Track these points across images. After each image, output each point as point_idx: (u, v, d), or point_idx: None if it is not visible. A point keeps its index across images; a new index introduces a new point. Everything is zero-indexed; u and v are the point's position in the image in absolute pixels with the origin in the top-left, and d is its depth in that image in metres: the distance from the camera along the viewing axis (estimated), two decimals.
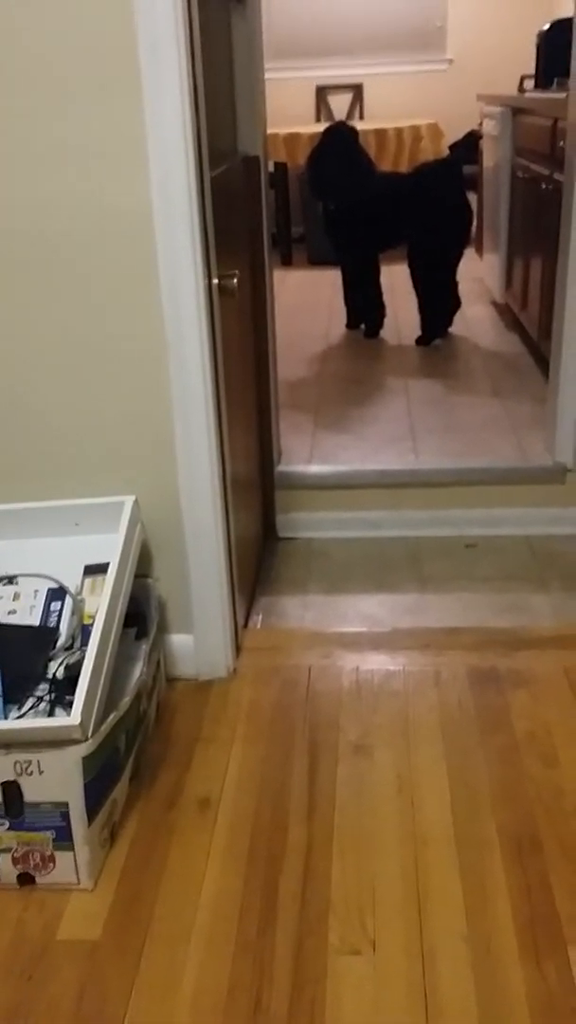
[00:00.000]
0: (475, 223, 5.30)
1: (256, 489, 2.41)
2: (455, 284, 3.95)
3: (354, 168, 3.81)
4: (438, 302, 3.91)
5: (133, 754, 1.60)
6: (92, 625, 1.48)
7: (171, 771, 1.67)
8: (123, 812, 1.57)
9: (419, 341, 3.90)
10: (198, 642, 1.90)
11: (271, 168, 5.55)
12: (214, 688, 1.90)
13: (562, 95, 2.74)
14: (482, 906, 1.37)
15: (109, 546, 1.66)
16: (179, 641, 1.91)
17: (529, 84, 4.42)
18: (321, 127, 5.64)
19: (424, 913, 1.37)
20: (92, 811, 1.41)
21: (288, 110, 6.31)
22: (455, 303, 3.98)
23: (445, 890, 1.40)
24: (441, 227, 3.78)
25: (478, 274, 5.15)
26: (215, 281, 1.71)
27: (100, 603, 1.51)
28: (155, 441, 1.76)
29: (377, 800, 1.58)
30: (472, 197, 4.03)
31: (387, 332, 4.11)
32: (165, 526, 1.82)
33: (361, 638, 2.05)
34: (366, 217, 3.89)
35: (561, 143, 2.76)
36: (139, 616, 1.77)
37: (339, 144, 3.80)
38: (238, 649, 2.00)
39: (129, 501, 1.74)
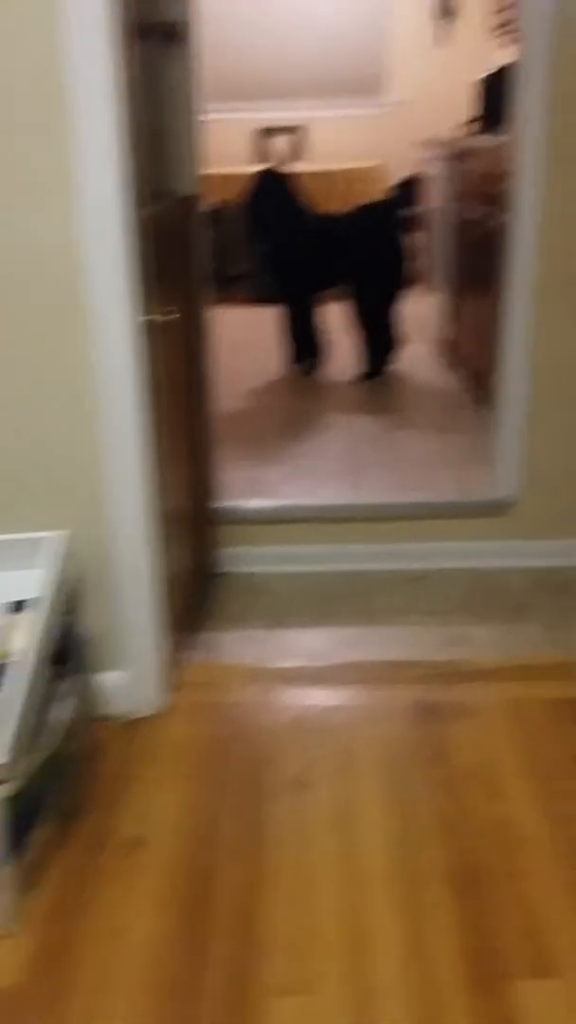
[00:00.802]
0: (419, 263, 5.39)
1: (194, 523, 2.37)
2: (396, 322, 3.99)
3: (286, 210, 3.87)
4: (378, 339, 3.95)
5: (59, 795, 1.53)
6: (16, 662, 1.42)
7: (99, 812, 1.60)
8: (48, 855, 1.50)
9: (360, 378, 3.93)
10: (130, 679, 1.84)
11: (212, 207, 5.59)
12: (146, 726, 1.84)
13: (501, 139, 2.80)
14: (423, 943, 1.33)
15: (36, 582, 1.60)
16: (110, 678, 1.85)
17: (470, 129, 4.52)
18: (261, 167, 5.71)
19: (363, 950, 1.32)
20: (15, 854, 1.34)
21: (229, 150, 6.37)
22: (396, 341, 4.02)
23: (385, 928, 1.36)
24: (378, 268, 3.84)
25: (420, 313, 5.22)
26: (148, 318, 1.69)
27: (26, 640, 1.45)
28: (86, 476, 1.71)
29: (315, 837, 1.53)
30: (416, 238, 4.10)
31: (329, 368, 4.13)
32: (96, 561, 1.77)
33: (301, 673, 2.01)
34: (303, 256, 3.94)
35: (501, 186, 2.81)
36: (68, 653, 1.71)
37: (271, 187, 3.88)
38: (172, 686, 1.94)
39: (58, 536, 1.68)
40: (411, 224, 5.32)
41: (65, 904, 1.42)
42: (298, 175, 5.39)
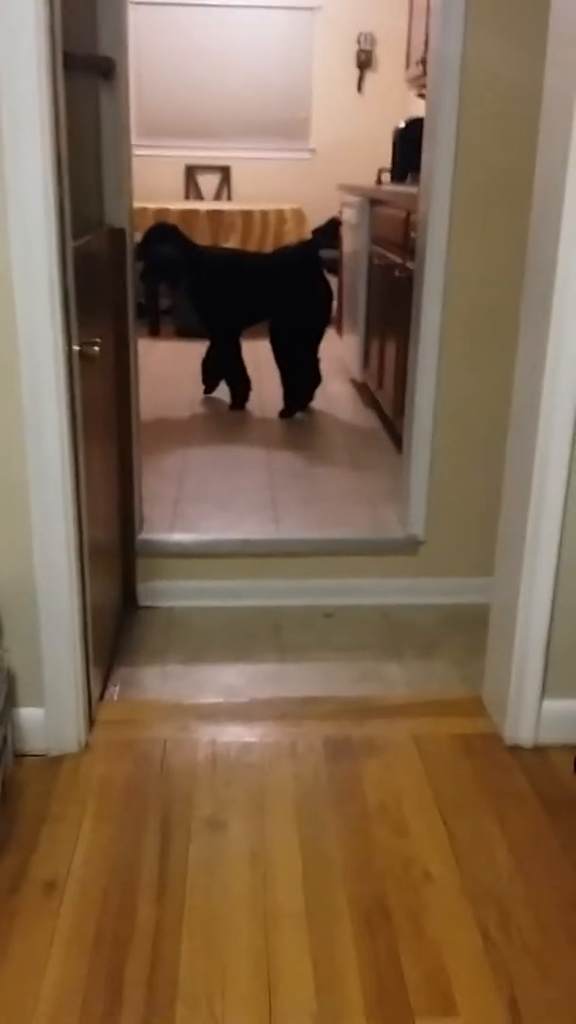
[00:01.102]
0: (335, 305, 5.52)
1: (116, 557, 2.38)
2: (316, 361, 4.09)
3: (181, 251, 4.11)
4: (298, 378, 4.04)
5: None
6: None
7: (15, 852, 1.59)
8: None
9: (281, 414, 4.01)
10: (49, 716, 1.84)
11: (140, 241, 5.62)
12: (65, 764, 1.83)
13: (414, 189, 2.92)
14: (332, 982, 1.36)
15: None
16: (29, 715, 1.84)
17: (386, 177, 4.68)
18: (189, 204, 5.78)
19: (274, 993, 1.34)
20: None
21: (159, 187, 6.44)
22: (316, 379, 4.12)
23: (295, 967, 1.39)
24: (299, 307, 3.95)
25: (338, 353, 5.34)
26: (76, 348, 1.71)
27: None
28: (8, 507, 1.72)
29: (229, 877, 1.55)
30: (333, 280, 4.24)
31: (251, 404, 4.19)
32: (16, 593, 1.77)
33: (218, 709, 2.03)
34: (221, 294, 4.09)
35: (413, 234, 2.93)
36: None
37: (161, 235, 4.12)
38: (92, 722, 1.94)
39: None
40: (330, 267, 5.46)
41: None
42: (215, 214, 5.49)
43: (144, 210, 5.49)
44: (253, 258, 4.20)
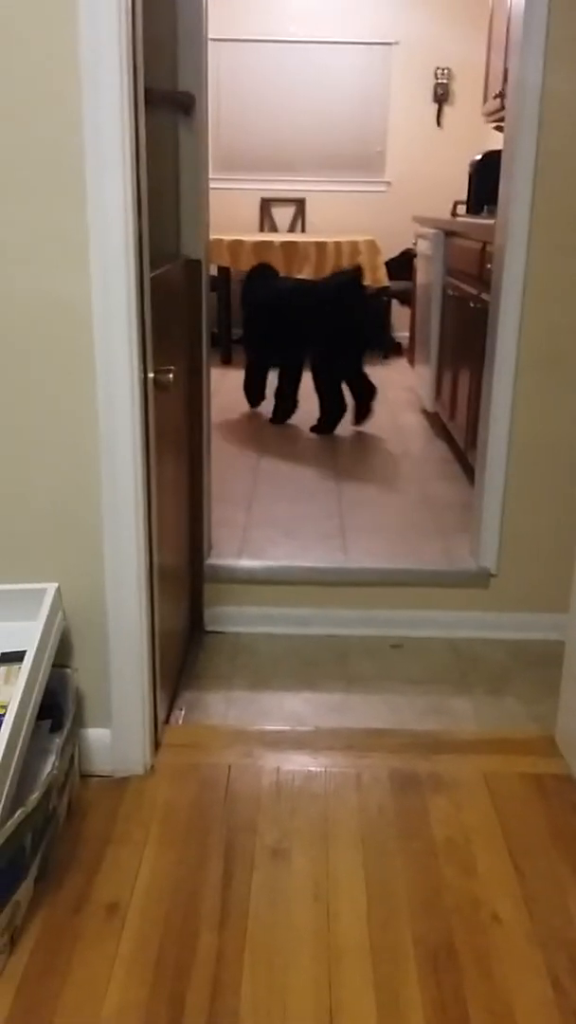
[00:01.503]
0: (409, 335, 5.53)
1: (185, 581, 2.40)
2: (363, 376, 4.34)
3: (274, 293, 4.50)
4: (330, 401, 4.25)
5: (40, 854, 1.53)
6: (3, 715, 1.44)
7: (79, 873, 1.60)
8: (26, 915, 1.49)
9: (313, 429, 4.27)
10: (115, 737, 1.85)
11: (214, 272, 5.72)
12: (130, 786, 1.84)
13: (490, 221, 2.91)
14: (395, 1021, 1.33)
15: (28, 634, 1.62)
16: (96, 735, 1.86)
17: (462, 209, 4.68)
18: (264, 236, 5.87)
19: None
20: None
21: (234, 219, 6.55)
22: (370, 391, 4.37)
23: (358, 1004, 1.36)
24: (336, 333, 4.20)
25: (410, 383, 5.33)
26: (151, 375, 1.74)
27: (13, 693, 1.47)
28: (82, 529, 1.75)
29: (292, 908, 1.53)
30: (405, 311, 4.29)
31: (324, 437, 4.20)
32: (87, 615, 1.80)
33: (283, 737, 2.02)
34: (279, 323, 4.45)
35: (488, 266, 2.91)
36: (55, 708, 1.72)
37: (262, 277, 4.62)
38: (157, 745, 1.95)
39: (51, 588, 1.71)
40: (403, 297, 5.47)
41: (40, 967, 1.41)
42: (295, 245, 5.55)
43: (219, 242, 5.59)
44: (298, 286, 4.47)
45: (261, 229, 6.63)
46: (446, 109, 6.40)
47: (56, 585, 1.74)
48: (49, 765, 1.59)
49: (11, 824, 1.37)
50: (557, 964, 1.43)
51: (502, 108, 4.15)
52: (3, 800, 1.36)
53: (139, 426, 1.69)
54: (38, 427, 1.69)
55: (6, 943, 1.41)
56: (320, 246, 5.64)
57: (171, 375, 1.81)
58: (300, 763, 1.92)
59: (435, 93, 6.38)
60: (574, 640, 1.92)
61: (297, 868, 1.62)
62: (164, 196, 2.09)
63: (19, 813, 1.40)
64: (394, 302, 6.19)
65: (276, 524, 2.96)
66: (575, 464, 2.42)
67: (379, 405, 4.87)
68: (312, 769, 1.90)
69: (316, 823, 1.74)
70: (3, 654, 1.66)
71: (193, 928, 1.49)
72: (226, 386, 5.28)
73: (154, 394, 1.79)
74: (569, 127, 2.19)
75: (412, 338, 5.48)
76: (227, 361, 5.98)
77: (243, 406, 4.77)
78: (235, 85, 6.39)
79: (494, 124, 5.32)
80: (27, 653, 1.55)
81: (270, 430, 4.27)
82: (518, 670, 2.34)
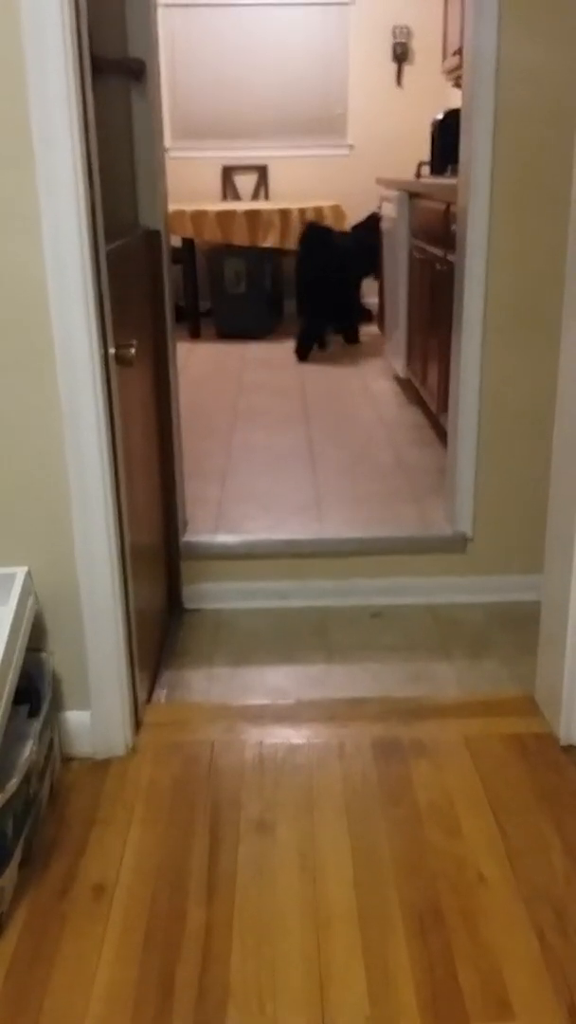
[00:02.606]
0: (379, 301, 5.53)
1: (161, 560, 2.38)
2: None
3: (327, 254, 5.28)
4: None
5: (22, 839, 1.52)
6: None
7: (64, 856, 1.60)
8: (12, 901, 1.49)
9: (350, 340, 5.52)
10: (95, 719, 1.84)
11: (178, 243, 5.64)
12: (112, 767, 1.83)
13: (453, 181, 2.88)
14: (385, 985, 1.34)
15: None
16: (75, 718, 1.85)
17: (425, 170, 4.63)
18: (227, 205, 5.79)
19: (326, 995, 1.32)
20: None
21: (196, 188, 6.46)
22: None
23: (348, 970, 1.36)
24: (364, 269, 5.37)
25: (381, 350, 5.31)
26: (112, 351, 1.71)
27: None
28: (50, 511, 1.72)
29: (278, 879, 1.54)
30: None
31: (297, 407, 4.18)
32: (60, 598, 1.78)
33: (265, 711, 2.02)
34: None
35: (453, 226, 2.88)
36: (31, 692, 1.71)
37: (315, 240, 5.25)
38: (138, 725, 1.94)
39: (21, 572, 1.69)
40: (371, 263, 5.44)
41: (28, 951, 1.41)
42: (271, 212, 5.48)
43: (182, 212, 5.51)
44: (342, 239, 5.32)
45: (224, 198, 6.54)
46: (406, 68, 6.32)
47: (26, 569, 1.71)
48: (27, 750, 1.57)
49: None
50: (543, 919, 1.44)
51: (461, 65, 4.09)
52: None
53: (102, 403, 1.66)
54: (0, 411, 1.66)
55: None
56: (284, 213, 5.58)
57: (133, 350, 1.78)
58: (283, 736, 1.92)
59: (394, 52, 6.29)
60: (550, 600, 1.92)
61: (282, 839, 1.62)
62: (118, 166, 2.04)
63: (0, 798, 1.39)
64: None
65: (251, 498, 2.94)
66: (546, 424, 2.40)
67: (351, 373, 4.85)
68: (295, 741, 1.90)
69: (300, 794, 1.74)
70: None
71: (180, 904, 1.49)
72: (195, 360, 5.23)
73: (117, 370, 1.76)
74: (526, 83, 2.16)
75: (381, 304, 5.45)
76: (195, 335, 5.92)
77: (214, 381, 4.73)
78: (190, 51, 6.27)
79: (454, 82, 5.26)
80: (0, 637, 1.53)
81: (242, 403, 4.24)
82: (498, 632, 2.35)
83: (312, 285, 5.22)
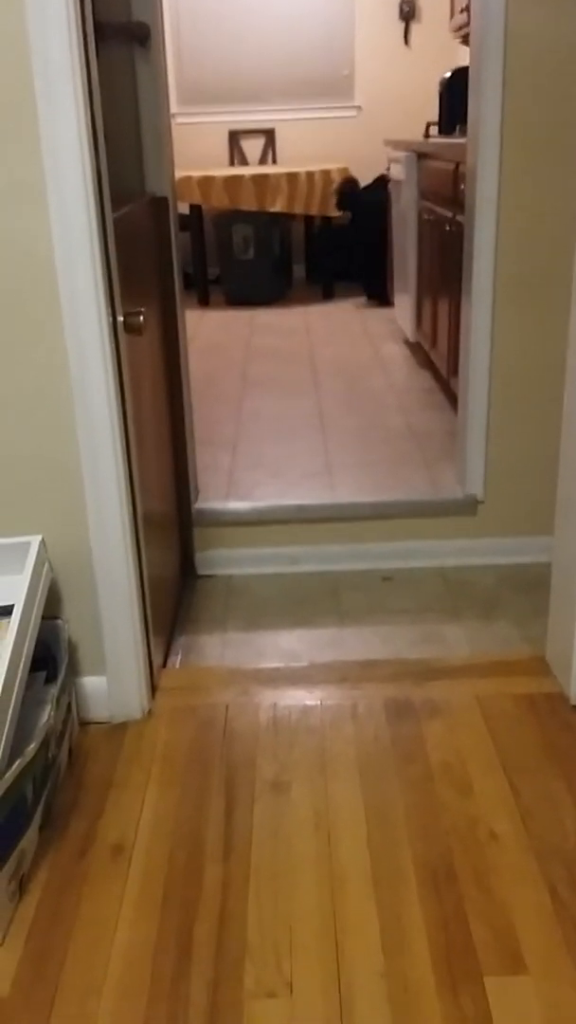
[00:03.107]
0: (386, 264, 5.48)
1: (173, 527, 2.39)
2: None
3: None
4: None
5: (42, 802, 1.55)
6: None
7: (83, 818, 1.63)
8: (33, 862, 1.52)
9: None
10: (111, 684, 1.87)
11: (185, 210, 5.60)
12: (128, 730, 1.86)
13: (462, 140, 2.84)
14: (399, 941, 1.36)
15: (15, 588, 1.62)
16: (92, 683, 1.87)
17: (434, 130, 4.57)
18: (234, 170, 5.73)
19: (341, 951, 1.35)
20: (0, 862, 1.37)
21: (203, 154, 6.39)
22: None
23: (362, 927, 1.39)
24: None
25: (391, 314, 5.27)
26: (120, 318, 1.71)
27: (4, 646, 1.47)
28: (62, 480, 1.73)
29: (294, 838, 1.56)
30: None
31: (306, 373, 4.16)
32: (74, 566, 1.79)
33: (278, 674, 2.04)
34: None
35: (462, 186, 2.85)
36: (48, 659, 1.73)
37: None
38: (154, 689, 1.97)
39: (35, 541, 1.70)
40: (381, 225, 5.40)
41: (49, 911, 1.44)
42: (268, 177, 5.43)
43: (188, 178, 5.46)
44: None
45: (231, 163, 6.48)
46: (413, 26, 6.21)
47: (40, 537, 1.73)
48: (46, 715, 1.60)
49: (10, 775, 1.38)
50: (555, 876, 1.47)
51: (469, 22, 4.02)
52: (2, 752, 1.37)
53: (112, 371, 1.67)
54: (7, 377, 1.66)
55: (14, 890, 1.44)
56: (292, 177, 5.52)
57: (142, 317, 1.77)
58: (296, 698, 1.95)
59: (401, 10, 6.18)
60: (561, 561, 1.92)
61: (297, 799, 1.65)
62: (124, 133, 2.03)
63: (17, 764, 1.41)
64: None
65: (262, 465, 2.95)
66: (556, 386, 2.40)
67: (360, 338, 4.82)
68: (308, 703, 1.93)
69: (314, 755, 1.76)
70: None
71: (198, 863, 1.52)
72: (204, 328, 5.21)
73: (126, 338, 1.76)
74: (535, 40, 2.12)
75: (390, 267, 5.40)
76: (204, 303, 5.89)
77: (224, 348, 4.72)
78: (195, 15, 6.18)
79: (462, 39, 5.16)
80: (15, 606, 1.55)
81: (252, 370, 4.23)
82: (508, 594, 2.35)
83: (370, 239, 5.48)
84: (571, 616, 1.86)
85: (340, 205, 5.61)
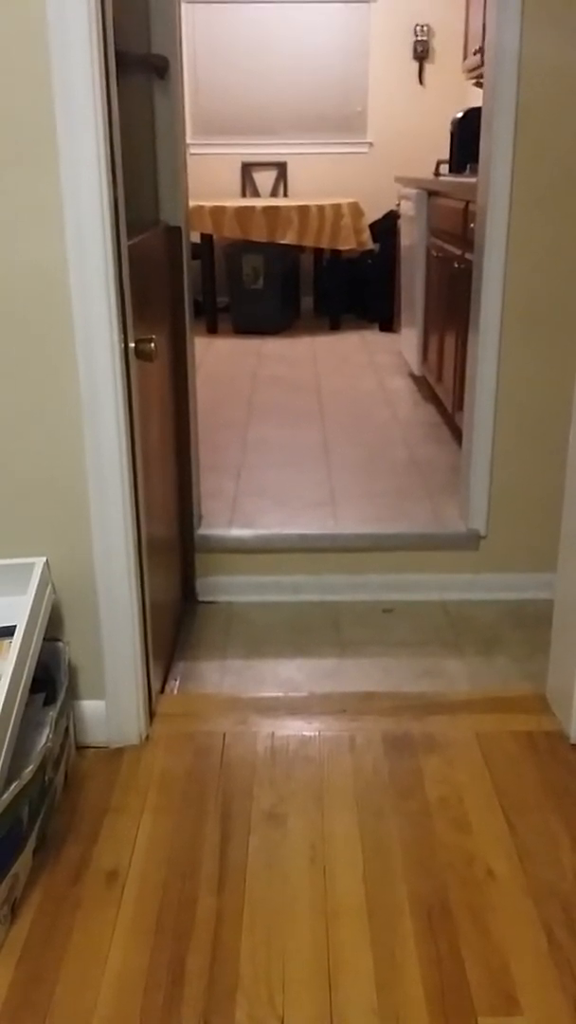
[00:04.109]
0: (393, 299, 5.54)
1: (176, 552, 2.40)
2: None
3: None
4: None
5: (37, 825, 1.54)
6: None
7: (78, 843, 1.62)
8: (26, 886, 1.51)
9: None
10: (110, 708, 1.86)
11: (197, 239, 5.66)
12: (126, 756, 1.85)
13: (472, 179, 2.88)
14: (393, 978, 1.35)
15: (17, 608, 1.62)
16: (90, 707, 1.87)
17: (444, 169, 4.62)
18: (246, 201, 5.79)
19: (334, 987, 1.34)
20: None
21: (215, 185, 6.47)
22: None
23: (356, 963, 1.38)
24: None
25: (396, 347, 5.31)
26: (132, 344, 1.72)
27: (5, 667, 1.47)
28: (68, 502, 1.74)
29: (289, 871, 1.55)
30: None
31: (312, 403, 4.19)
32: (77, 588, 1.80)
33: (277, 703, 2.03)
34: None
35: (472, 225, 2.89)
36: (48, 681, 1.73)
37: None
38: (152, 715, 1.96)
39: (39, 563, 1.71)
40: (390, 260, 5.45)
41: (41, 936, 1.43)
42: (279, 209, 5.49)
43: (201, 208, 5.53)
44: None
45: (243, 194, 6.55)
46: (427, 67, 6.31)
47: (44, 559, 1.73)
48: (44, 738, 1.59)
49: (7, 797, 1.38)
50: (551, 917, 1.45)
51: (483, 64, 4.09)
52: (0, 772, 1.37)
53: (122, 396, 1.68)
54: (19, 400, 1.68)
55: (6, 914, 1.42)
56: (303, 210, 5.58)
57: (153, 344, 1.79)
58: (294, 728, 1.94)
59: (415, 50, 6.28)
60: (563, 599, 1.92)
61: (293, 831, 1.64)
62: (140, 162, 2.06)
63: (14, 786, 1.40)
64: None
65: (266, 493, 2.95)
66: (562, 423, 2.41)
67: (366, 370, 4.85)
68: (306, 734, 1.92)
69: (311, 786, 1.75)
70: None
71: (192, 892, 1.51)
72: (212, 355, 5.25)
73: (136, 364, 1.77)
74: (547, 82, 2.16)
75: (397, 301, 5.45)
76: (212, 331, 5.94)
77: (230, 376, 4.74)
78: (212, 48, 6.28)
79: (475, 80, 5.24)
80: (17, 627, 1.55)
81: (258, 398, 4.25)
82: (509, 630, 2.35)
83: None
84: (572, 654, 1.86)
85: (375, 237, 5.92)
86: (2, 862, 1.39)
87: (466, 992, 1.33)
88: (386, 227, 5.74)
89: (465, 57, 5.50)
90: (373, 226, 5.89)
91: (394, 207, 5.52)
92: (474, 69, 5.00)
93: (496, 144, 2.21)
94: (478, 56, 4.66)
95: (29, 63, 1.50)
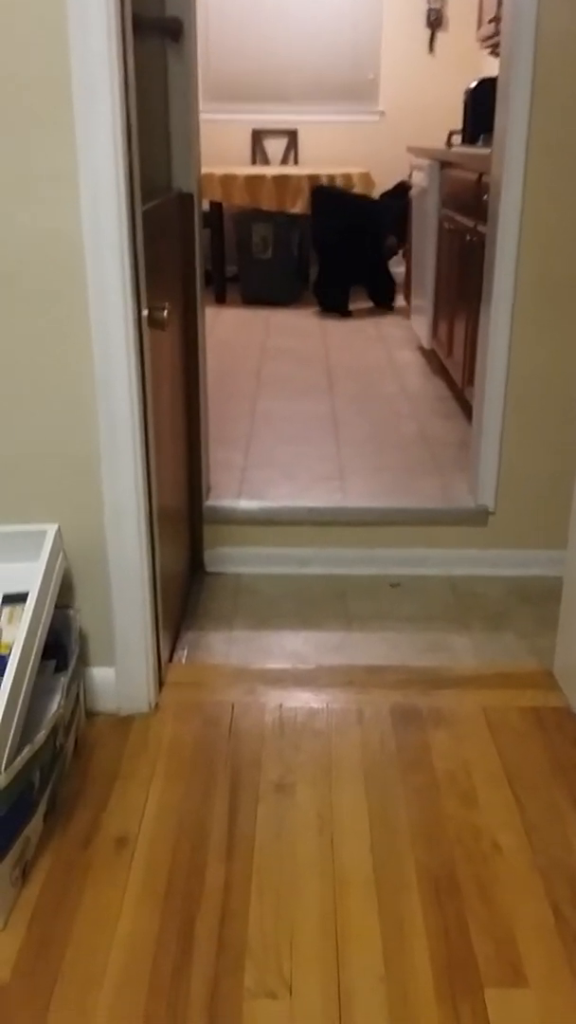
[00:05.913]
0: (405, 271, 5.48)
1: (184, 523, 2.39)
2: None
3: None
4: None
5: (48, 790, 1.55)
6: (8, 656, 1.44)
7: (88, 808, 1.63)
8: (36, 850, 1.52)
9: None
10: (120, 676, 1.87)
11: (206, 207, 5.60)
12: (135, 723, 1.86)
13: (486, 150, 2.84)
14: (400, 947, 1.36)
15: (29, 575, 1.62)
16: (100, 674, 1.87)
17: (456, 139, 4.57)
18: (256, 169, 5.73)
19: (342, 955, 1.35)
20: (3, 849, 1.37)
21: (226, 151, 6.40)
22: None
23: (363, 931, 1.39)
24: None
25: (407, 320, 5.27)
26: (145, 312, 1.71)
27: (17, 633, 1.47)
28: (80, 470, 1.73)
29: (297, 840, 1.56)
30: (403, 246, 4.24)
31: (320, 375, 4.17)
32: (88, 556, 1.79)
33: (285, 675, 2.04)
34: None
35: (485, 196, 2.85)
36: (59, 648, 1.73)
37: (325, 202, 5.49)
38: (161, 684, 1.97)
39: (52, 529, 1.71)
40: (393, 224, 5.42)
41: (52, 900, 1.44)
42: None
43: (211, 175, 5.47)
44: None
45: (253, 162, 6.48)
46: (439, 35, 6.21)
47: (56, 526, 1.73)
48: (55, 704, 1.60)
49: (19, 761, 1.38)
50: (557, 891, 1.46)
51: (497, 33, 4.02)
52: (11, 738, 1.37)
53: (134, 364, 1.67)
54: (33, 367, 1.67)
55: (18, 876, 1.44)
56: (313, 179, 5.52)
57: (165, 312, 1.78)
58: (302, 700, 1.94)
59: (428, 18, 6.18)
60: (572, 575, 1.92)
61: (301, 802, 1.65)
62: (154, 127, 2.03)
63: (26, 751, 1.41)
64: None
65: (274, 465, 2.95)
66: (573, 400, 2.40)
67: (375, 343, 4.83)
68: (314, 706, 1.93)
69: (319, 758, 1.76)
70: (6, 595, 1.67)
71: (201, 859, 1.52)
72: (220, 326, 5.22)
73: (149, 332, 1.76)
74: (566, 53, 2.12)
75: (408, 273, 5.41)
76: (221, 300, 5.89)
77: (239, 346, 4.72)
78: (223, 13, 6.18)
79: (489, 49, 5.17)
80: (29, 594, 1.55)
81: (267, 369, 4.23)
82: (517, 606, 2.35)
83: (326, 248, 5.47)
84: None
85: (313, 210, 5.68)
86: (14, 825, 1.40)
87: (472, 963, 1.34)
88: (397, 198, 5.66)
89: (480, 25, 5.41)
90: (383, 196, 5.82)
91: (405, 178, 5.46)
92: (489, 38, 4.92)
93: (512, 115, 2.18)
94: (493, 24, 4.59)
95: (45, 22, 1.47)
